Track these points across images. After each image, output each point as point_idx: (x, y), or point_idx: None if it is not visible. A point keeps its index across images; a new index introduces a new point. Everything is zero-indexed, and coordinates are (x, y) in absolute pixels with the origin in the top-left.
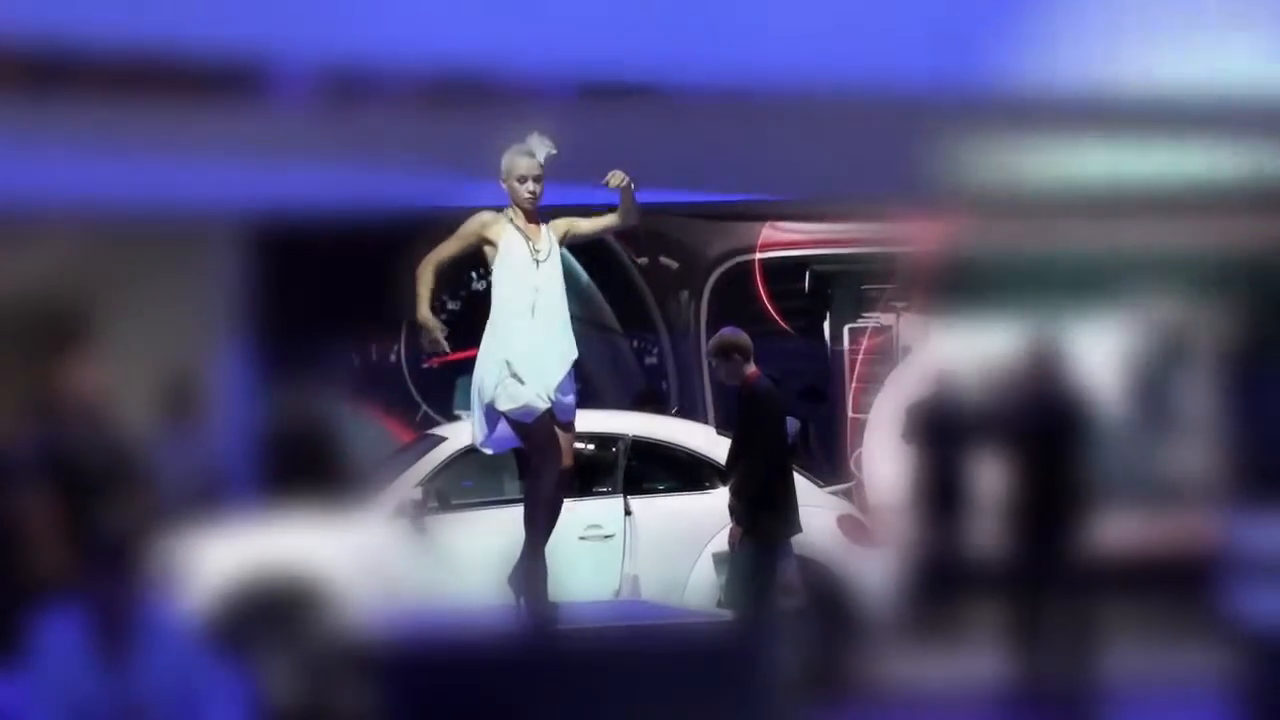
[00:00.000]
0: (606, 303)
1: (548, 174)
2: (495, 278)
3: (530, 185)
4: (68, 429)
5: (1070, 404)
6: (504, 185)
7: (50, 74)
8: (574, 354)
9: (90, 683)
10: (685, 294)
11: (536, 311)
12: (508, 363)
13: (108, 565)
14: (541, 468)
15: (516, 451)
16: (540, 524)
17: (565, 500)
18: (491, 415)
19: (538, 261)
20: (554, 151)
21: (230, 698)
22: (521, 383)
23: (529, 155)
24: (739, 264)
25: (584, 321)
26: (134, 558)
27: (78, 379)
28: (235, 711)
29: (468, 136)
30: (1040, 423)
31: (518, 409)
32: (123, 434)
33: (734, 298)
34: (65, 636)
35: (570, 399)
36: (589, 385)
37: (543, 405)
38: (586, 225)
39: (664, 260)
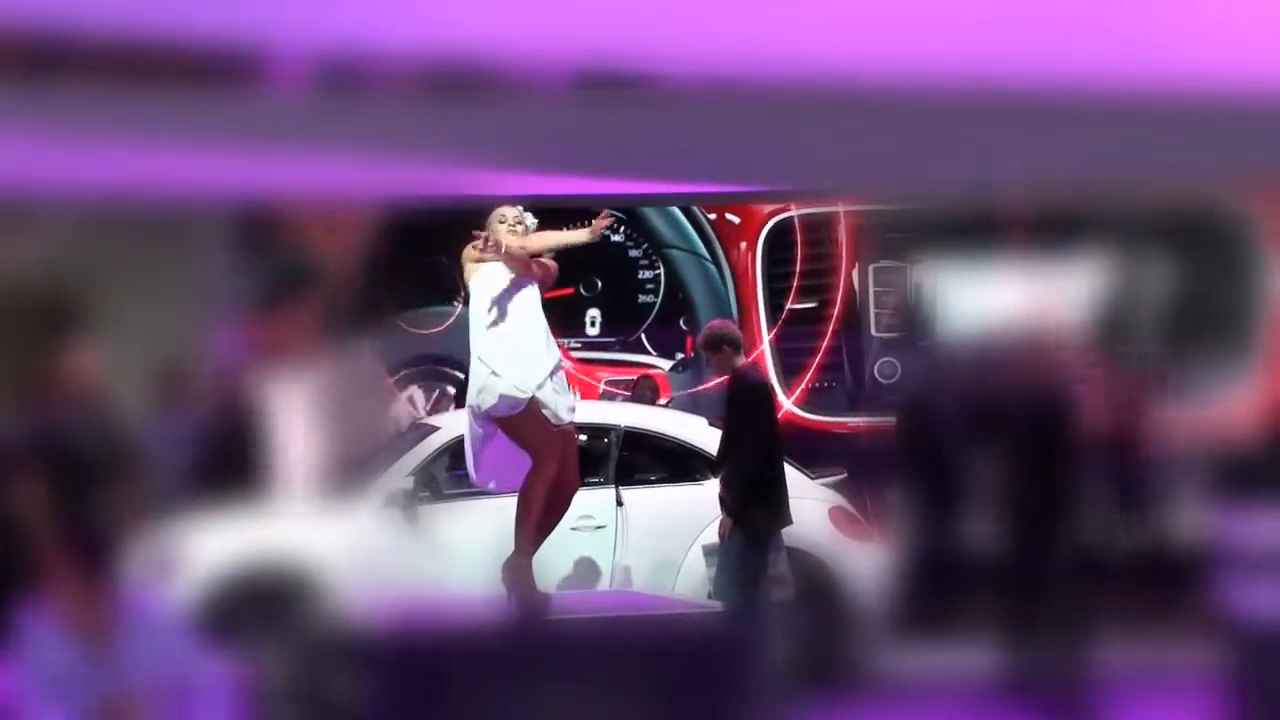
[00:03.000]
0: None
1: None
2: (471, 291)
3: (511, 224)
4: (62, 416)
5: (1061, 395)
6: (490, 233)
7: (45, 61)
8: (556, 356)
9: (77, 672)
10: (744, 244)
11: (510, 313)
12: (481, 359)
13: (96, 553)
14: (537, 464)
15: None
16: (531, 519)
17: (565, 510)
18: (484, 447)
19: (516, 279)
20: (534, 222)
21: (220, 687)
22: (498, 376)
23: (513, 206)
24: (785, 218)
25: (682, 250)
26: (123, 546)
27: (73, 366)
28: (225, 701)
29: (464, 127)
30: (1032, 414)
31: (498, 403)
32: (117, 422)
33: (781, 246)
34: (52, 625)
35: (568, 400)
36: (689, 298)
37: (522, 395)
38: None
39: (728, 215)
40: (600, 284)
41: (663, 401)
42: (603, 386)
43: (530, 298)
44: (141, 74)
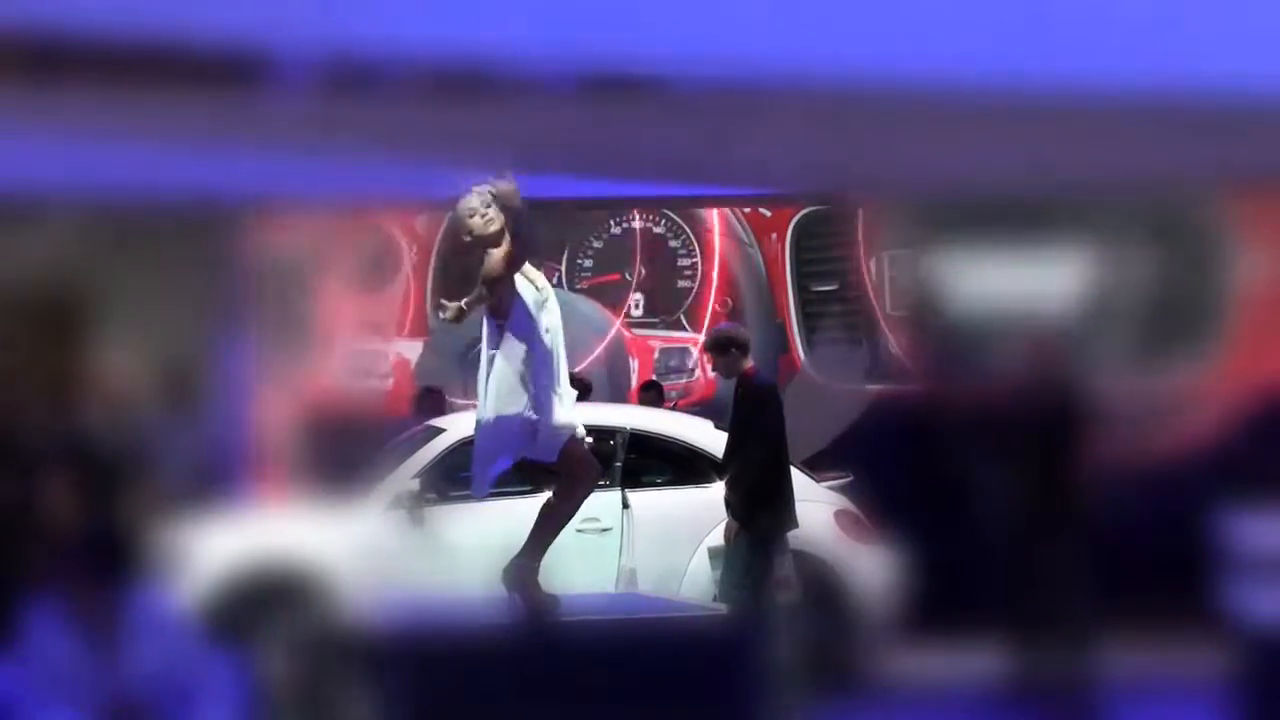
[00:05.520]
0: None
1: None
2: (512, 324)
3: (482, 211)
4: (87, 418)
5: (1071, 400)
6: (466, 236)
7: (51, 63)
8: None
9: (84, 671)
10: (774, 235)
11: (553, 350)
12: (534, 403)
13: (104, 555)
14: (576, 485)
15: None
16: (551, 534)
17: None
18: (495, 462)
19: (544, 302)
20: (509, 186)
21: (225, 687)
22: (552, 416)
23: (471, 192)
24: (810, 212)
25: (729, 237)
26: (130, 547)
27: (91, 369)
28: (230, 701)
29: (469, 129)
30: (1041, 419)
31: (547, 446)
32: (129, 423)
33: (807, 236)
34: (60, 624)
35: (581, 417)
36: (733, 281)
37: (565, 434)
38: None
39: (761, 210)
40: (644, 271)
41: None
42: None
43: (558, 319)
44: (143, 74)
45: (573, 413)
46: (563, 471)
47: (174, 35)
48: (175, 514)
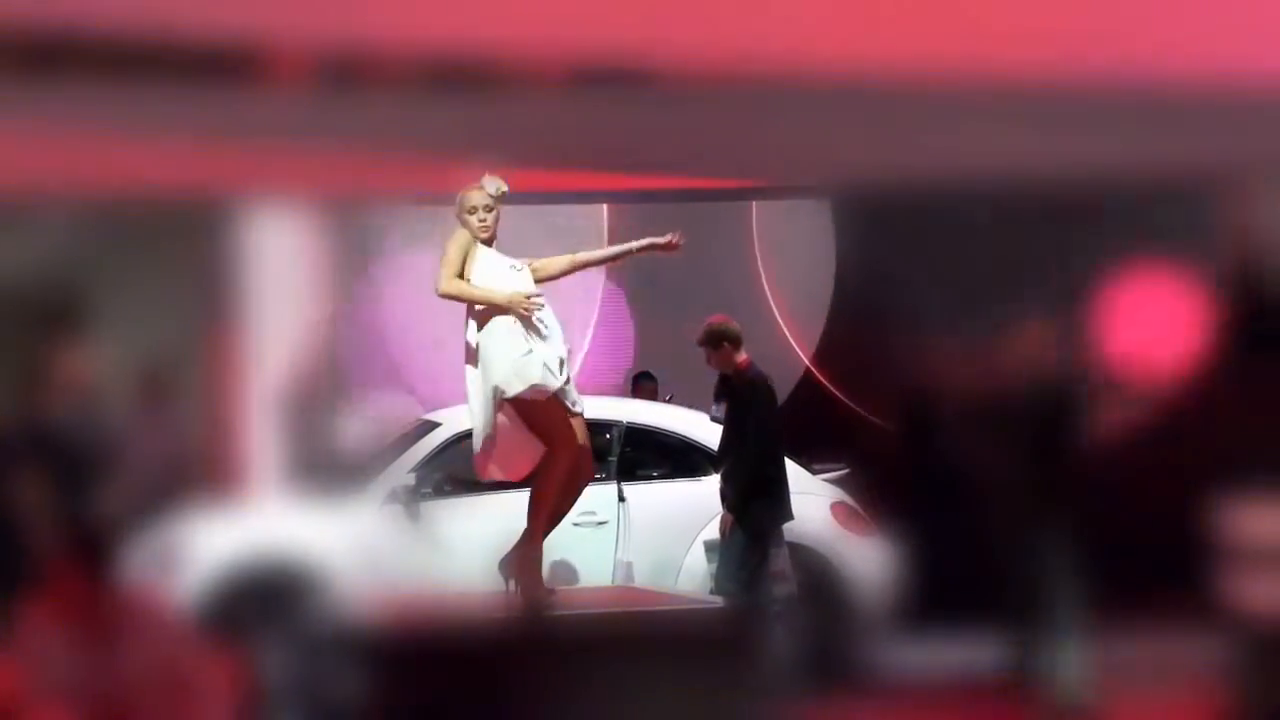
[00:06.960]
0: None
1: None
2: (485, 284)
3: (481, 214)
4: (60, 415)
5: (1066, 389)
6: (459, 219)
7: (46, 59)
8: (566, 348)
9: (77, 670)
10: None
11: (538, 311)
12: (524, 346)
13: (96, 551)
14: (556, 453)
15: None
16: (546, 511)
17: (576, 499)
18: (496, 438)
19: (514, 270)
20: (505, 188)
21: (220, 683)
22: (533, 362)
23: (480, 189)
24: (803, 204)
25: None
26: (121, 545)
27: (72, 365)
28: (225, 698)
29: (463, 123)
30: (1036, 409)
31: (529, 388)
32: (112, 420)
33: (802, 229)
34: (52, 623)
35: (573, 391)
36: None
37: (555, 383)
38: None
39: (756, 202)
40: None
41: None
42: None
43: (535, 289)
44: (142, 72)
45: (557, 374)
46: (541, 438)
47: (170, 31)
48: (170, 511)
